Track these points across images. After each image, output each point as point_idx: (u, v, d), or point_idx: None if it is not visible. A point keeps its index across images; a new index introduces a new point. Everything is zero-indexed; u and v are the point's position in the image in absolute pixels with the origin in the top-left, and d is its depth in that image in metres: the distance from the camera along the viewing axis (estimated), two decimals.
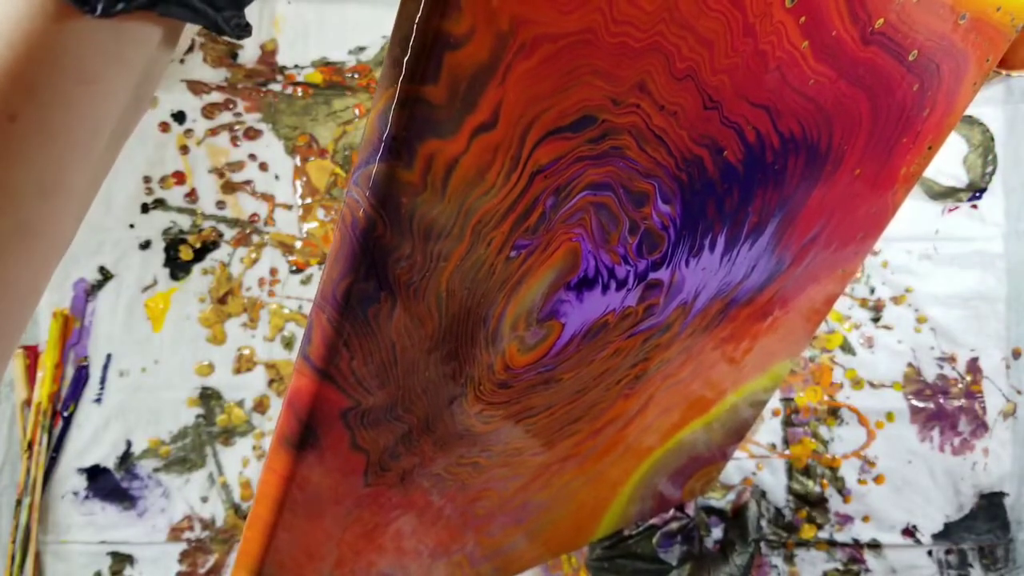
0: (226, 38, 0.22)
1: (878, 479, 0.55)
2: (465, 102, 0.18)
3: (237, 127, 0.53)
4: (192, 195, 0.53)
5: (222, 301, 0.53)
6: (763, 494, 0.53)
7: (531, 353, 0.29)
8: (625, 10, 0.20)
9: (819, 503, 0.55)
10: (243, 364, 0.53)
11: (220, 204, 0.53)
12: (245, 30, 0.21)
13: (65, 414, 0.52)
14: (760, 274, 0.34)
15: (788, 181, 0.30)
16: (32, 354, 0.52)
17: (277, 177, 0.53)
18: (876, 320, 0.55)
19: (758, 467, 0.55)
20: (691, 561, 0.50)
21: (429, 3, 0.16)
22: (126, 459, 0.52)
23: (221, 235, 0.53)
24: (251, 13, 0.52)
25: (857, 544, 0.55)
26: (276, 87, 0.53)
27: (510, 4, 0.17)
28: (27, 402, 0.51)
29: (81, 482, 0.52)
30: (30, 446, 0.51)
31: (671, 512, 0.52)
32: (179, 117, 0.52)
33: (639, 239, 0.28)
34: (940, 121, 0.34)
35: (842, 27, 0.26)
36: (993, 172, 0.54)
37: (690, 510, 0.52)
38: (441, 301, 0.23)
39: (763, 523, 0.51)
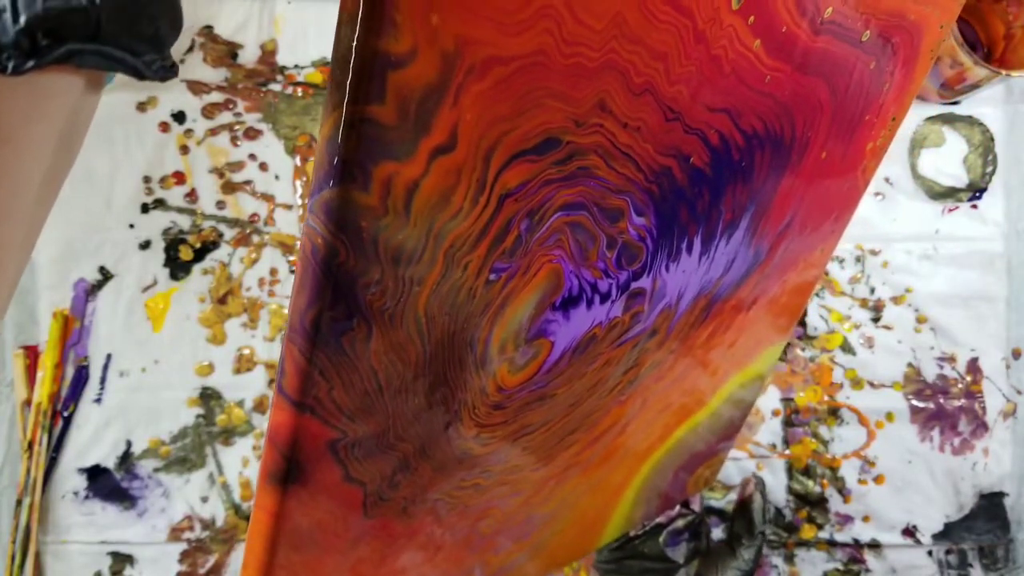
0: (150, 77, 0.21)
1: (878, 479, 0.55)
2: (418, 123, 0.18)
3: (237, 127, 0.53)
4: (192, 195, 0.53)
5: (222, 301, 0.53)
6: (766, 486, 0.53)
7: (522, 372, 0.29)
8: (575, 30, 0.20)
9: (819, 503, 0.55)
10: (243, 364, 0.53)
11: (220, 204, 0.53)
12: (171, 71, 0.21)
13: (65, 414, 0.52)
14: (739, 267, 0.34)
15: (756, 175, 0.30)
16: (32, 354, 0.52)
17: (277, 177, 0.53)
18: (876, 320, 0.55)
19: (758, 467, 0.55)
20: (698, 557, 0.50)
21: (365, 23, 0.16)
22: (126, 459, 0.52)
23: (221, 235, 0.53)
24: (251, 13, 0.52)
25: (857, 544, 0.55)
26: (276, 87, 0.53)
27: (453, 24, 0.17)
28: (27, 402, 0.51)
29: (81, 482, 0.52)
30: (30, 446, 0.51)
31: (676, 509, 0.51)
32: (179, 117, 0.52)
33: (618, 253, 0.28)
34: (901, 92, 0.34)
35: (792, 22, 0.26)
36: (993, 172, 0.54)
37: (695, 506, 0.52)
38: (421, 327, 0.23)
39: (768, 515, 0.51)
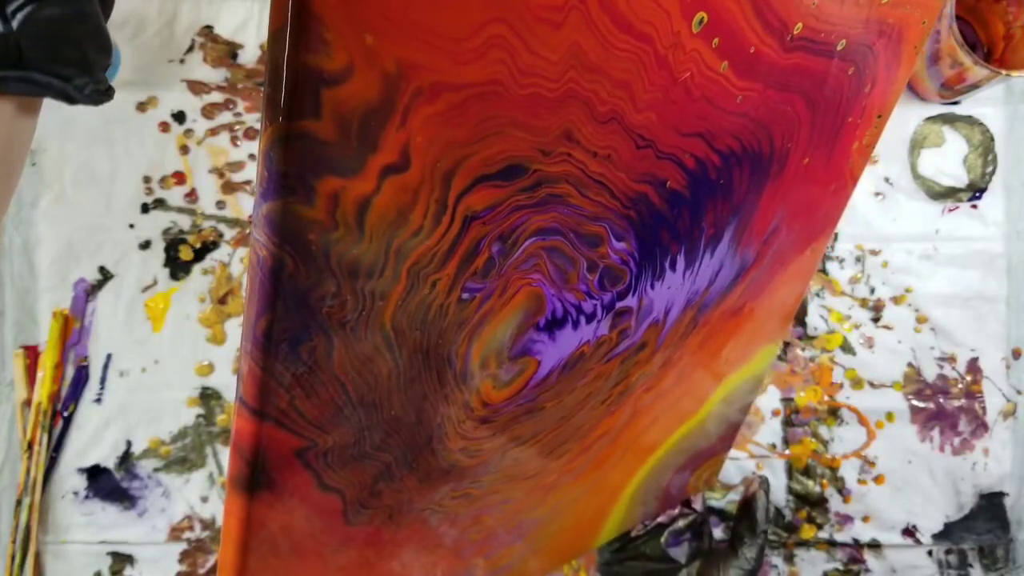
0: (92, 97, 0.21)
1: (878, 479, 0.55)
2: (363, 141, 0.18)
3: (237, 127, 0.53)
4: (192, 195, 0.53)
5: (222, 301, 0.53)
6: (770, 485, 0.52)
7: (508, 388, 0.28)
8: (529, 61, 0.20)
9: (819, 503, 0.55)
10: None
11: (220, 204, 0.53)
12: (105, 95, 0.21)
13: (65, 414, 0.52)
14: (726, 276, 0.35)
15: (736, 191, 0.30)
16: (32, 354, 0.52)
17: None
18: (876, 320, 0.55)
19: (758, 467, 0.55)
20: (700, 557, 0.50)
21: (294, 40, 0.16)
22: (126, 459, 0.52)
23: (221, 235, 0.53)
24: (251, 13, 0.52)
25: (857, 544, 0.55)
26: None
27: (390, 46, 0.17)
28: (27, 402, 0.51)
29: (81, 482, 0.52)
30: (30, 446, 0.51)
31: (678, 510, 0.51)
32: (179, 117, 0.52)
33: (600, 276, 0.28)
34: (885, 91, 0.34)
35: (759, 41, 0.26)
36: (993, 172, 0.54)
37: (697, 505, 0.52)
38: (389, 340, 0.23)
39: (771, 514, 0.51)
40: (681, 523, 0.50)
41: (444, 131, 0.19)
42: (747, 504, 0.51)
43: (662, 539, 0.50)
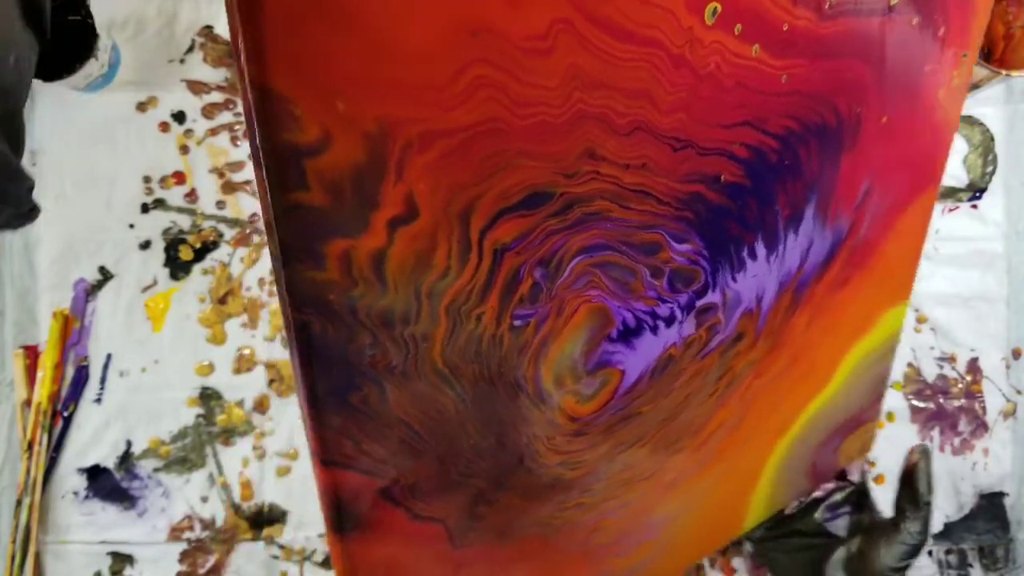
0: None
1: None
2: (361, 201, 0.18)
3: (237, 127, 0.53)
4: (192, 195, 0.53)
5: (222, 301, 0.53)
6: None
7: (594, 401, 0.28)
8: (524, 93, 0.19)
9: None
10: (243, 364, 0.53)
11: (220, 204, 0.53)
12: (28, 217, 0.20)
13: (65, 414, 0.52)
14: (819, 251, 0.32)
15: (806, 168, 0.28)
16: (32, 354, 0.52)
17: None
18: None
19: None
20: (861, 533, 0.45)
21: (264, 120, 0.16)
22: (126, 459, 0.52)
23: (221, 235, 0.53)
24: None
25: None
26: None
27: (369, 106, 0.17)
28: (27, 402, 0.51)
29: (81, 482, 0.52)
30: (30, 446, 0.51)
31: (833, 483, 0.48)
32: (179, 117, 0.52)
33: (667, 280, 0.26)
34: (963, 28, 0.31)
35: (790, 17, 0.24)
36: (993, 172, 0.54)
37: (854, 477, 0.49)
38: (445, 377, 0.22)
39: (934, 484, 0.46)
40: (838, 496, 0.47)
41: (447, 176, 0.19)
42: (908, 475, 0.45)
43: (816, 514, 0.46)
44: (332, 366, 0.20)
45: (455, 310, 0.21)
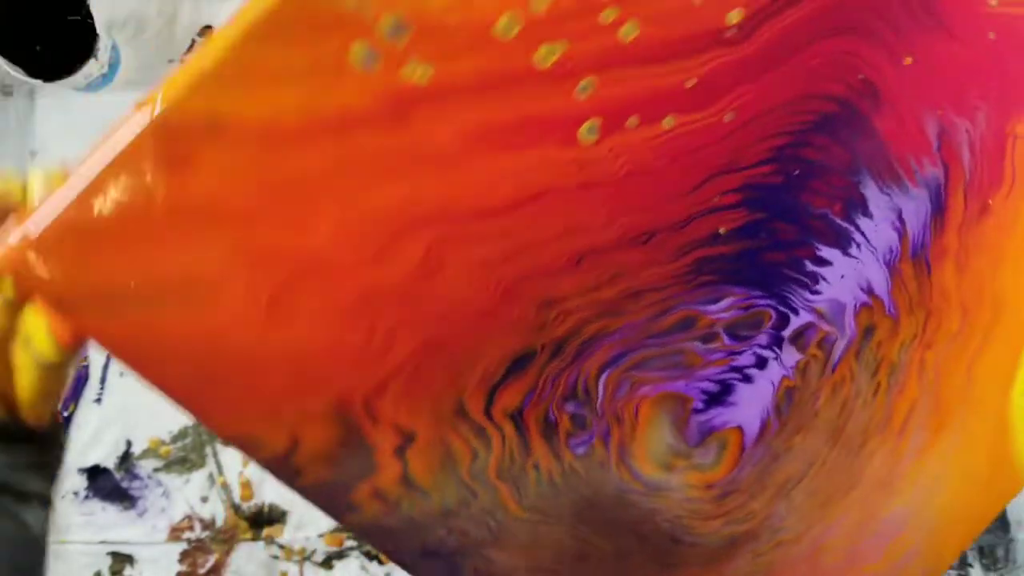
0: None
1: None
2: (356, 456, 0.19)
3: None
4: None
5: None
6: None
7: (722, 464, 0.25)
8: (440, 308, 0.19)
9: None
10: None
11: None
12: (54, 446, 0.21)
13: (65, 414, 0.52)
14: (918, 210, 0.27)
15: (833, 159, 0.24)
16: None
17: None
18: None
19: None
20: None
21: (244, 452, 0.19)
22: (126, 459, 0.52)
23: None
24: None
25: None
26: None
27: (312, 400, 0.19)
28: None
29: (81, 482, 0.52)
30: None
31: None
32: None
33: (728, 336, 0.23)
34: None
35: (689, 73, 0.20)
36: None
37: None
38: (537, 521, 0.22)
39: None
40: None
41: (419, 396, 0.19)
42: None
43: None
44: (426, 566, 0.21)
45: (505, 473, 0.21)
